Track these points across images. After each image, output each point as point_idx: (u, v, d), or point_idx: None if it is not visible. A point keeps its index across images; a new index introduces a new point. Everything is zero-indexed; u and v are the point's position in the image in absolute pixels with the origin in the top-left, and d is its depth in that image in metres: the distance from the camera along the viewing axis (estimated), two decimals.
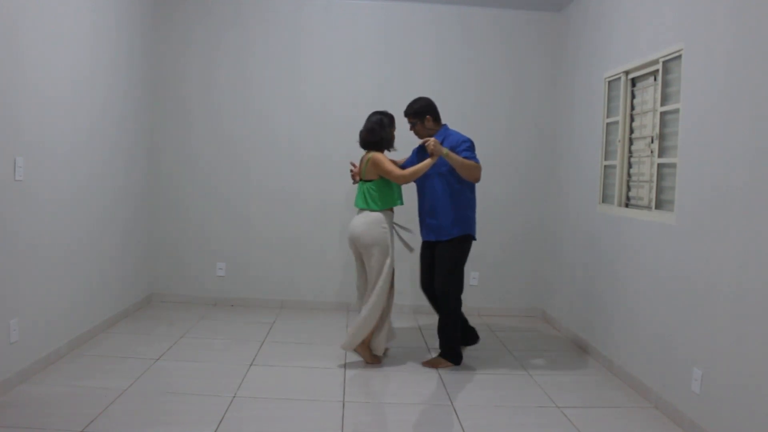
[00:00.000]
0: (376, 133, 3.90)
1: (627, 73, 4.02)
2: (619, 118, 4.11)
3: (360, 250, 3.86)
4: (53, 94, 3.55)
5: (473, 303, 5.46)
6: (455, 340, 3.97)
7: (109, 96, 4.31)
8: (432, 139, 3.77)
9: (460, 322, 4.02)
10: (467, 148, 3.87)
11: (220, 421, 2.95)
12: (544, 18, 5.35)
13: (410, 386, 3.65)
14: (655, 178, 3.59)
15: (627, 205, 4.04)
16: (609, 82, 4.29)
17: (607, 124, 4.32)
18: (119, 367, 3.62)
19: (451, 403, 3.36)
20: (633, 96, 4.03)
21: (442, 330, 3.96)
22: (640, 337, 3.64)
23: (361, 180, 3.97)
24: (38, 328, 3.44)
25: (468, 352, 4.37)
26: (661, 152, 3.58)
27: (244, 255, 5.36)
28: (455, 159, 3.77)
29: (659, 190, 3.57)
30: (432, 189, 3.94)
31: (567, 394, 3.56)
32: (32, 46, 3.29)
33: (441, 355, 3.99)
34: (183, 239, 5.34)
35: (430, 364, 3.95)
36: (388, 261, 3.81)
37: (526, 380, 3.78)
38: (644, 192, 3.83)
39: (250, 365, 3.81)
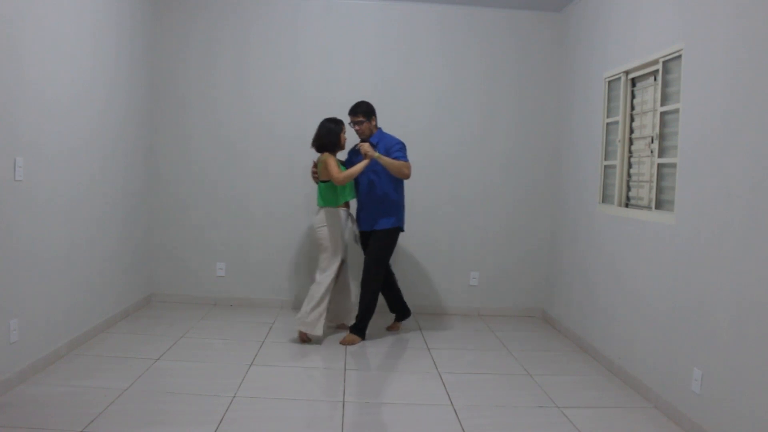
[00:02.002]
0: (325, 138, 4.37)
1: (627, 73, 4.02)
2: (619, 118, 4.11)
3: (314, 242, 4.49)
4: (53, 95, 3.54)
5: (473, 303, 5.46)
6: (367, 318, 4.45)
7: (108, 96, 4.31)
8: (366, 144, 4.30)
9: (375, 303, 4.47)
10: (399, 149, 4.37)
11: (220, 421, 2.95)
12: (544, 18, 5.35)
13: (410, 386, 3.65)
14: (655, 178, 3.59)
15: (627, 205, 4.04)
16: (609, 82, 4.29)
17: (607, 124, 4.32)
18: (119, 367, 3.62)
19: (451, 403, 3.36)
20: (633, 96, 4.03)
21: (360, 311, 4.44)
22: (640, 337, 3.64)
23: (321, 181, 4.42)
24: (38, 328, 3.44)
25: (468, 352, 4.38)
26: (661, 152, 3.58)
27: (244, 255, 5.36)
28: (385, 161, 4.28)
29: (659, 190, 3.57)
30: (365, 185, 4.46)
31: (567, 394, 3.56)
32: (32, 47, 3.29)
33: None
34: (183, 239, 5.33)
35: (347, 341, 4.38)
36: (332, 254, 4.34)
37: (526, 380, 3.78)
38: (644, 192, 3.83)
39: (250, 365, 3.81)
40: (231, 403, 3.19)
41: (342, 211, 4.41)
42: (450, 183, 5.38)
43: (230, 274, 5.37)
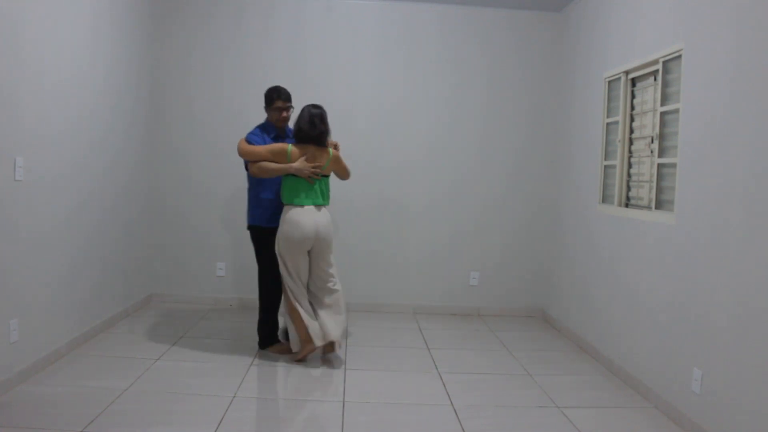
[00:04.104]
0: (318, 127, 3.85)
1: (627, 73, 4.02)
2: (619, 118, 4.11)
3: (321, 245, 3.86)
4: (54, 95, 3.54)
5: (473, 303, 5.46)
6: None
7: (109, 95, 4.31)
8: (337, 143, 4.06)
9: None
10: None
11: (220, 421, 2.95)
12: (544, 18, 5.35)
13: (410, 386, 3.65)
14: (655, 178, 3.60)
15: (627, 205, 4.04)
16: (609, 82, 4.29)
17: (607, 124, 4.32)
18: (119, 367, 3.62)
19: (451, 403, 3.36)
20: (633, 96, 4.03)
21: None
22: (640, 337, 3.64)
23: (324, 176, 3.93)
24: (38, 328, 3.44)
25: (468, 352, 4.38)
26: (661, 152, 3.58)
27: (244, 255, 5.34)
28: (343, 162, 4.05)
29: (659, 190, 3.57)
30: (277, 183, 3.99)
31: (567, 394, 3.56)
32: (32, 47, 3.28)
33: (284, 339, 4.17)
34: (183, 239, 5.33)
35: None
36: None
37: (526, 380, 3.78)
38: (644, 192, 3.83)
39: (250, 365, 3.81)
40: (231, 403, 3.19)
41: None
42: (450, 182, 5.38)
43: (230, 274, 5.37)
